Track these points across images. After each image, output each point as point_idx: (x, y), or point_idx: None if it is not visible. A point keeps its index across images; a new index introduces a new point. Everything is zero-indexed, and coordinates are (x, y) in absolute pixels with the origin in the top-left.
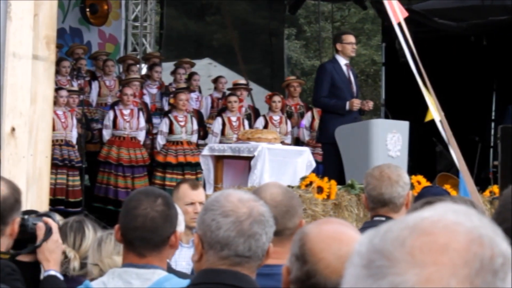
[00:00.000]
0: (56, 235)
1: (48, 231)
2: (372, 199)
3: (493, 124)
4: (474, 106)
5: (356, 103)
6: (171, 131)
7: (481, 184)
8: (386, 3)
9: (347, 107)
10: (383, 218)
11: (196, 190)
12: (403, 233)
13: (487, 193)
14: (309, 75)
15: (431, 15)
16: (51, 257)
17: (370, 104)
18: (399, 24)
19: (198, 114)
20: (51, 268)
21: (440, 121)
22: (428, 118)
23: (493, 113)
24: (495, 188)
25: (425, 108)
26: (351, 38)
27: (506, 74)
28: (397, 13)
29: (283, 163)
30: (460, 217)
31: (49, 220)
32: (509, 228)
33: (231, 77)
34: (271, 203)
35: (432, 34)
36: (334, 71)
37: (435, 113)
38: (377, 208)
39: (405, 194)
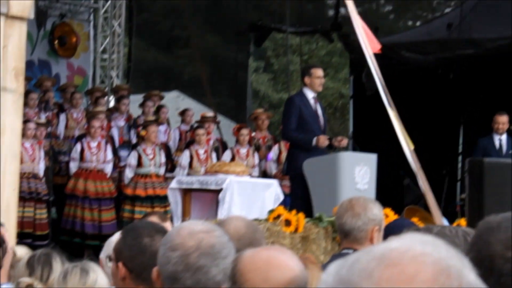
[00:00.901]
0: (8, 244)
1: (2, 242)
2: (337, 228)
3: (460, 157)
4: (441, 139)
5: (322, 141)
6: (139, 164)
7: (449, 217)
8: (358, 34)
9: (314, 143)
10: (351, 251)
11: (165, 222)
12: (370, 264)
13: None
14: (277, 108)
15: (398, 48)
16: (3, 265)
17: (344, 142)
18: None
19: (165, 147)
20: (3, 282)
21: (410, 152)
22: (409, 146)
23: (461, 146)
24: (463, 221)
25: (393, 140)
26: (319, 72)
27: (473, 108)
28: (367, 46)
29: (251, 196)
30: (427, 248)
31: (1, 229)
32: (482, 259)
33: (199, 109)
34: (235, 236)
35: (399, 67)
36: (302, 104)
37: (404, 144)
38: (342, 239)
39: (367, 229)
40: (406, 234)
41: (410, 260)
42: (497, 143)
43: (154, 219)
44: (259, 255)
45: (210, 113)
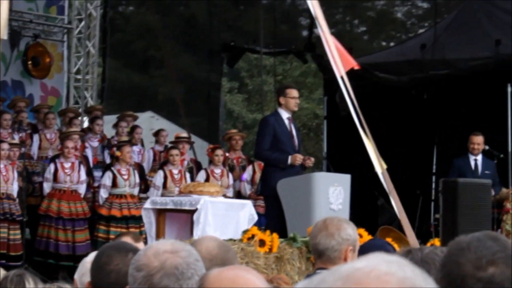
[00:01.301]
0: None
1: None
2: (311, 248)
3: (434, 178)
4: (415, 160)
5: (299, 158)
6: (114, 184)
7: (423, 237)
8: (330, 56)
9: (289, 161)
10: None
11: (139, 243)
12: (336, 284)
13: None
14: (251, 128)
15: (372, 68)
16: None
17: (310, 161)
18: (342, 78)
19: (139, 167)
20: None
21: (382, 173)
22: (381, 168)
23: (434, 167)
24: (437, 241)
25: (367, 161)
26: (294, 93)
27: (447, 128)
28: (339, 67)
29: (226, 216)
30: (392, 268)
31: None
32: (453, 278)
33: (173, 130)
34: (207, 256)
35: (373, 87)
36: (276, 124)
37: (377, 165)
38: (316, 259)
39: (341, 249)
40: (372, 254)
41: (375, 279)
42: (472, 164)
43: (127, 239)
44: (225, 274)
45: (184, 134)
